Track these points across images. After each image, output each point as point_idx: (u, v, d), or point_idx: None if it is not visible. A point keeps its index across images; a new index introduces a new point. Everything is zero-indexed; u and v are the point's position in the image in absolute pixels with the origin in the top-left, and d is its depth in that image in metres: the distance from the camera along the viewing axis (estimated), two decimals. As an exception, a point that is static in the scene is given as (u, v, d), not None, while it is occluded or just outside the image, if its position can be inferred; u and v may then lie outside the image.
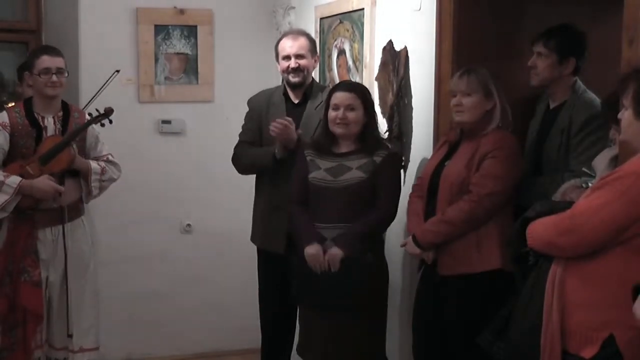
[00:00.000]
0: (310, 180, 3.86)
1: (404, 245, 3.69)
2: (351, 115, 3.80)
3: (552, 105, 3.67)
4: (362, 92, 3.88)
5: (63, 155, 4.19)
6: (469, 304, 3.46)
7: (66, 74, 4.27)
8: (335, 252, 3.71)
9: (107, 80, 4.45)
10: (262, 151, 4.28)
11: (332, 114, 3.83)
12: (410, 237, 3.62)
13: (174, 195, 5.37)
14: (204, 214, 5.43)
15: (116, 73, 4.50)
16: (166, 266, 5.37)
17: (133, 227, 5.27)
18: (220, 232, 5.41)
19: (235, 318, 5.39)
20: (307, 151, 3.94)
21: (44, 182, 4.14)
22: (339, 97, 3.84)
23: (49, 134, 4.23)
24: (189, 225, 5.45)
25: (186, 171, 5.40)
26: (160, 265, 5.37)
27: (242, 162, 4.41)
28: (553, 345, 2.59)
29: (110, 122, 4.30)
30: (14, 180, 4.08)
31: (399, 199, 3.85)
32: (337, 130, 3.83)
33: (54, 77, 4.19)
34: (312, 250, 3.75)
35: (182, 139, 5.41)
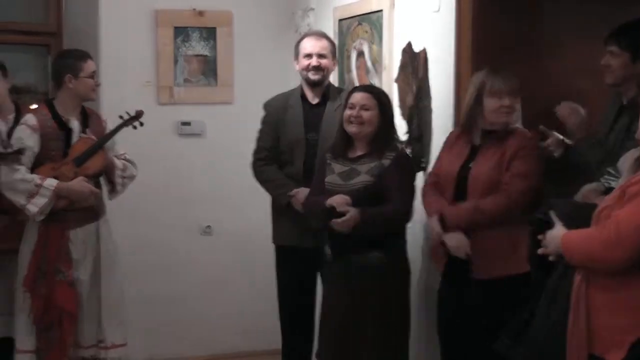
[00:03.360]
0: (326, 184, 3.90)
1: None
2: (365, 114, 3.82)
3: (625, 101, 3.57)
4: (378, 95, 3.90)
5: (97, 157, 4.23)
6: (504, 307, 3.39)
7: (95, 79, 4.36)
8: (355, 215, 3.70)
9: None
10: (279, 190, 4.33)
11: (347, 112, 3.86)
12: (436, 216, 3.59)
13: (193, 196, 5.38)
14: (224, 215, 5.44)
15: None
16: (186, 268, 5.38)
17: (152, 229, 5.29)
18: (240, 233, 5.41)
19: (256, 319, 5.39)
20: (327, 154, 3.97)
21: (81, 184, 4.18)
22: (356, 96, 3.87)
23: (74, 136, 4.27)
24: (208, 226, 5.45)
25: (206, 173, 5.40)
26: (180, 267, 5.38)
27: (260, 184, 4.47)
28: (579, 349, 2.58)
29: (141, 124, 4.35)
30: (51, 183, 4.12)
31: (413, 199, 3.84)
32: (351, 129, 3.85)
33: (98, 81, 4.32)
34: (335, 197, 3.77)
35: (202, 141, 5.41)
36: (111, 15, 5.19)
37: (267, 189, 4.45)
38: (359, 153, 3.88)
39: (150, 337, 5.29)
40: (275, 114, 4.42)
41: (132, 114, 4.36)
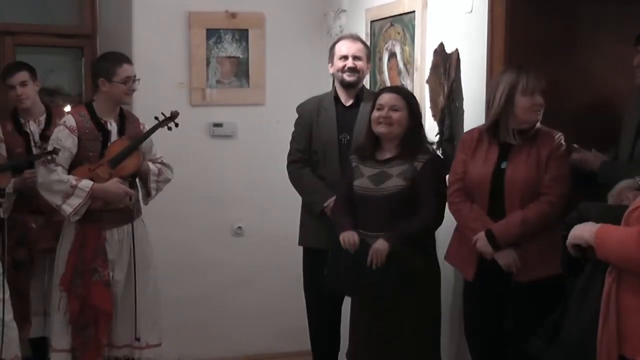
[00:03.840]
0: (355, 188, 3.89)
1: (475, 241, 3.57)
2: (395, 115, 3.82)
3: None
4: (407, 96, 3.92)
5: (132, 158, 4.27)
6: (544, 308, 3.35)
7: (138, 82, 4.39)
8: (381, 244, 3.70)
9: None
10: (313, 197, 4.33)
11: (375, 113, 3.86)
12: (483, 233, 3.53)
13: (225, 198, 5.40)
14: (255, 216, 5.45)
15: None
16: (217, 269, 5.40)
17: (183, 229, 5.31)
18: (271, 234, 5.42)
19: (286, 320, 5.40)
20: (352, 157, 3.97)
21: (116, 186, 4.22)
22: (385, 97, 3.87)
23: (112, 138, 4.30)
24: (240, 228, 5.47)
25: (237, 174, 5.42)
26: (211, 267, 5.39)
27: (295, 188, 4.48)
28: (610, 351, 2.56)
29: (177, 125, 4.38)
30: (86, 184, 4.17)
31: (445, 202, 3.81)
32: (380, 129, 3.85)
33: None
34: (348, 233, 3.78)
35: (234, 142, 5.43)
36: (144, 17, 5.22)
37: (301, 194, 4.46)
38: (388, 155, 3.87)
39: (180, 338, 5.30)
40: (309, 116, 4.44)
41: (167, 114, 4.39)
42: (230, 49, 5.39)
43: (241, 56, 5.41)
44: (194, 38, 5.30)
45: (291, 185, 4.52)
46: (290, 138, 4.53)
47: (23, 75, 4.63)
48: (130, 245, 4.34)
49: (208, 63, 5.34)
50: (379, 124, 3.84)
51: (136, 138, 4.34)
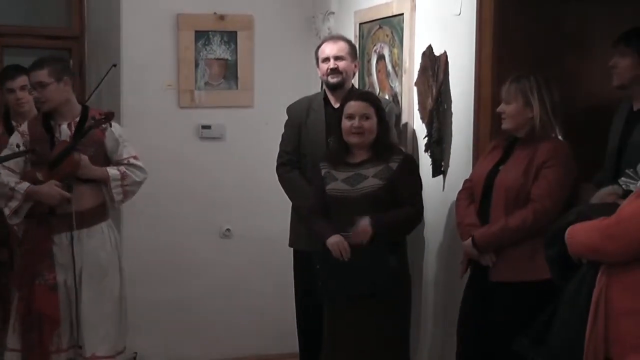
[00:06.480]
0: (328, 192, 3.90)
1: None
2: (366, 124, 3.85)
3: (635, 107, 3.46)
4: (375, 101, 3.95)
5: (69, 160, 4.19)
6: (518, 312, 3.39)
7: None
8: (365, 223, 3.73)
9: (104, 75, 4.50)
10: (301, 202, 4.28)
11: (346, 123, 3.87)
12: (470, 239, 3.56)
13: (213, 200, 5.39)
14: (244, 218, 5.44)
15: (113, 67, 4.61)
16: (205, 271, 5.39)
17: (172, 231, 5.29)
18: (260, 236, 5.41)
19: (274, 323, 5.39)
20: (322, 164, 3.98)
21: (50, 188, 4.15)
22: (354, 106, 3.87)
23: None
24: (228, 230, 5.46)
25: (226, 176, 5.41)
26: (200, 269, 5.38)
27: (284, 191, 4.48)
28: (596, 353, 2.56)
29: (110, 125, 4.24)
30: (23, 186, 4.17)
31: (422, 200, 3.90)
32: (353, 139, 3.87)
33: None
34: (334, 239, 3.78)
35: (222, 144, 5.42)
36: (133, 19, 5.21)
37: (290, 197, 4.46)
38: (360, 159, 3.90)
39: (168, 340, 5.30)
40: (298, 117, 4.44)
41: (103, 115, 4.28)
42: (219, 51, 5.38)
43: (230, 58, 5.40)
44: (182, 40, 5.29)
45: (279, 187, 4.52)
46: (279, 140, 4.53)
47: (24, 79, 4.61)
48: (87, 252, 4.26)
49: (196, 65, 5.33)
50: (352, 134, 3.86)
51: (73, 140, 4.24)
